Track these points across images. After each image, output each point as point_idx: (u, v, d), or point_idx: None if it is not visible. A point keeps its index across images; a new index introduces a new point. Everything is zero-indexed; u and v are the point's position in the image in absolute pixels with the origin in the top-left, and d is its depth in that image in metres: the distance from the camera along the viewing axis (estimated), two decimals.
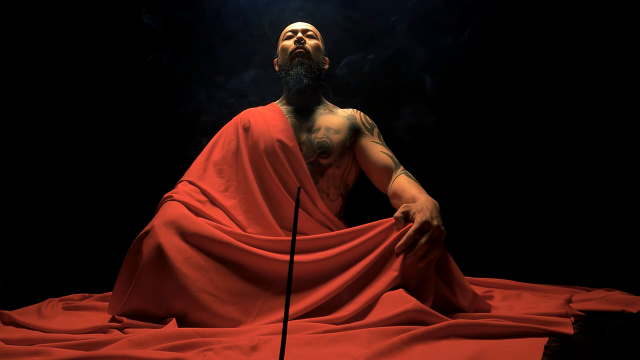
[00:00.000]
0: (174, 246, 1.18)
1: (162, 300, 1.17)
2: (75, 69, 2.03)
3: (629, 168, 1.81)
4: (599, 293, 1.41)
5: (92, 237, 2.00)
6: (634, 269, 1.68)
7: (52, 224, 2.00)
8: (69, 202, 2.02)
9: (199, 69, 2.00)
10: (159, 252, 1.17)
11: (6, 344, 0.94)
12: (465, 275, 1.24)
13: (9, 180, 1.97)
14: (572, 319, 1.07)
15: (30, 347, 0.91)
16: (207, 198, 1.46)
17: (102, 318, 1.24)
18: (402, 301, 1.06)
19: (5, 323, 1.19)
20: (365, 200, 1.73)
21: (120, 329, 1.10)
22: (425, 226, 1.16)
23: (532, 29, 1.92)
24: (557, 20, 1.90)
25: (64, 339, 1.00)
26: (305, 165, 1.51)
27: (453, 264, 1.22)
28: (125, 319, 1.13)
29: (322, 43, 1.71)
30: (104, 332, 1.09)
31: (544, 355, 0.86)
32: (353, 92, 1.93)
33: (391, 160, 1.53)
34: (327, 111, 1.66)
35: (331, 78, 1.89)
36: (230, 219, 1.43)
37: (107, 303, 1.32)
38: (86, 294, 1.61)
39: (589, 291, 1.46)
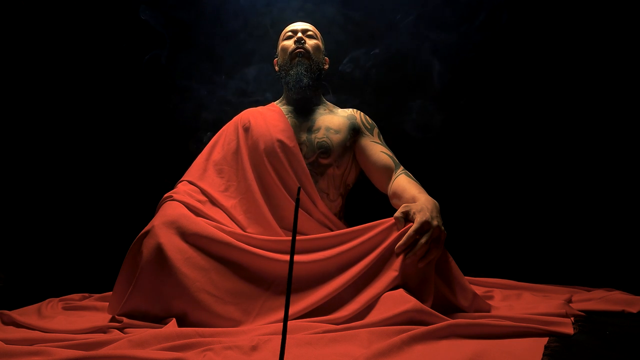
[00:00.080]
0: (174, 246, 1.18)
1: (162, 300, 1.17)
2: (74, 67, 2.03)
3: (629, 168, 1.81)
4: (599, 293, 1.41)
5: (92, 237, 2.00)
6: (634, 269, 1.68)
7: (52, 224, 2.00)
8: (69, 202, 2.02)
9: (199, 68, 2.01)
10: (159, 252, 1.17)
11: (6, 344, 0.94)
12: (465, 275, 1.24)
13: (9, 180, 1.97)
14: (572, 319, 1.07)
15: (30, 347, 0.91)
16: (207, 198, 1.46)
17: (102, 318, 1.24)
18: (402, 301, 1.06)
19: (5, 323, 1.19)
20: (365, 200, 1.73)
21: (120, 329, 1.10)
22: (425, 226, 1.16)
23: (537, 26, 1.92)
24: (561, 18, 1.90)
25: (64, 339, 1.00)
26: (305, 165, 1.51)
27: (453, 264, 1.22)
28: (125, 319, 1.13)
29: (322, 43, 1.71)
30: (104, 332, 1.09)
31: (544, 355, 0.86)
32: (354, 91, 1.93)
33: (391, 160, 1.53)
34: (327, 111, 1.66)
35: (332, 77, 1.89)
36: (230, 219, 1.43)
37: (107, 303, 1.32)
38: (86, 294, 1.61)
39: (589, 291, 1.46)
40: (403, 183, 1.43)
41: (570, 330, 0.99)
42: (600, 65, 1.85)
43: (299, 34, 1.63)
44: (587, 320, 1.09)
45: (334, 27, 1.98)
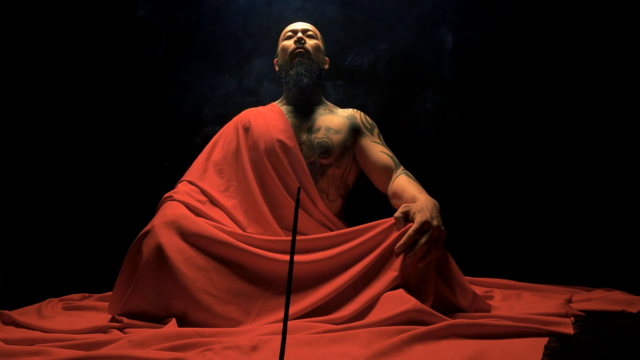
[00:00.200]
0: (174, 246, 1.18)
1: (162, 300, 1.17)
2: (73, 66, 2.03)
3: (629, 168, 1.81)
4: (599, 293, 1.41)
5: (92, 237, 2.00)
6: (634, 269, 1.68)
7: (52, 224, 2.00)
8: (68, 202, 2.02)
9: (199, 68, 2.00)
10: (159, 252, 1.17)
11: (6, 344, 0.94)
12: (465, 275, 1.24)
13: (9, 180, 1.97)
14: (572, 319, 1.07)
15: (30, 347, 0.91)
16: (207, 198, 1.46)
17: (102, 318, 1.24)
18: (402, 301, 1.06)
19: (5, 323, 1.19)
20: (365, 200, 1.73)
21: (120, 329, 1.10)
22: (425, 226, 1.16)
23: (537, 26, 1.92)
24: (566, 15, 1.89)
25: (64, 339, 1.00)
26: (305, 166, 1.51)
27: (453, 264, 1.22)
28: (125, 319, 1.13)
29: (322, 43, 1.71)
30: (104, 332, 1.09)
31: (544, 355, 0.86)
32: (352, 94, 1.93)
33: (391, 160, 1.53)
34: (327, 111, 1.66)
35: (338, 72, 1.89)
36: (230, 219, 1.43)
37: (107, 303, 1.32)
38: (86, 294, 1.61)
39: (589, 291, 1.46)
40: (403, 183, 1.43)
41: (570, 330, 0.99)
42: (600, 66, 1.85)
43: (299, 34, 1.64)
44: (587, 320, 1.09)
45: (334, 27, 1.98)
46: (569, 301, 1.29)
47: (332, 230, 1.45)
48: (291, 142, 1.52)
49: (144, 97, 2.06)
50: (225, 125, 1.67)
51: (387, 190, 1.50)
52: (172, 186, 1.51)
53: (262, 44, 1.99)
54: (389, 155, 1.55)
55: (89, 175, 2.04)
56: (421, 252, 1.14)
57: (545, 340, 0.93)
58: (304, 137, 1.57)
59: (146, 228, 1.25)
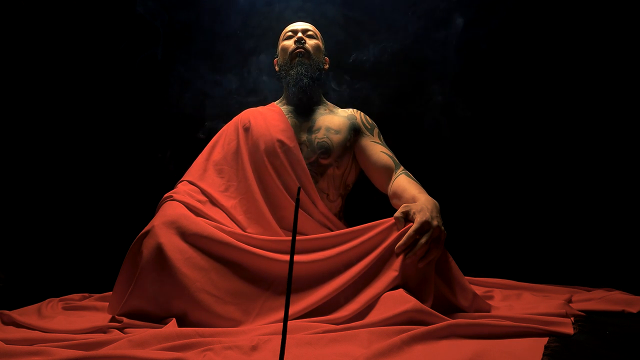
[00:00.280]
0: (174, 246, 1.18)
1: (162, 300, 1.17)
2: (71, 66, 2.03)
3: (629, 168, 1.81)
4: (599, 293, 1.41)
5: (92, 237, 2.00)
6: (634, 269, 1.68)
7: (52, 224, 2.00)
8: (68, 202, 2.02)
9: (199, 67, 2.01)
10: (159, 252, 1.17)
11: (6, 344, 0.94)
12: (465, 275, 1.24)
13: (9, 180, 1.97)
14: (572, 319, 1.07)
15: (30, 347, 0.91)
16: (207, 198, 1.46)
17: (102, 318, 1.24)
18: (402, 301, 1.06)
19: (5, 323, 1.19)
20: (365, 200, 1.73)
21: (120, 329, 1.10)
22: (425, 226, 1.16)
23: (537, 26, 1.92)
24: (568, 15, 1.90)
25: (64, 339, 1.00)
26: (305, 166, 1.51)
27: (453, 264, 1.22)
28: (125, 319, 1.13)
29: (323, 43, 1.71)
30: (104, 332, 1.09)
31: (544, 355, 0.86)
32: (350, 96, 1.93)
33: (391, 160, 1.53)
34: (327, 111, 1.66)
35: (333, 77, 1.89)
36: (230, 219, 1.43)
37: (107, 303, 1.32)
38: (86, 294, 1.61)
39: (589, 291, 1.46)
40: (403, 183, 1.43)
41: (570, 330, 0.99)
42: (601, 66, 1.85)
43: (299, 34, 1.64)
44: (587, 320, 1.09)
45: (334, 27, 1.98)
46: (569, 301, 1.29)
47: (332, 230, 1.45)
48: (291, 142, 1.52)
49: (144, 97, 2.06)
50: (225, 125, 1.67)
51: (387, 190, 1.50)
52: (172, 185, 1.51)
53: (262, 43, 1.99)
54: (389, 156, 1.55)
55: (89, 175, 2.04)
56: (421, 252, 1.14)
57: (545, 340, 0.93)
58: (304, 137, 1.57)
59: (146, 228, 1.25)
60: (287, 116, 1.61)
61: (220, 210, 1.44)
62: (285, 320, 0.60)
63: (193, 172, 1.54)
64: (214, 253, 1.20)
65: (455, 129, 1.97)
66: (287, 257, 1.19)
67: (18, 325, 1.16)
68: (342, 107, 1.71)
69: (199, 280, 1.15)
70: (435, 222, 1.17)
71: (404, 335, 0.90)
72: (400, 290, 1.11)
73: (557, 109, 1.91)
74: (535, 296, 1.39)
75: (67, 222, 2.01)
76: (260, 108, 1.68)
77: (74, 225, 2.01)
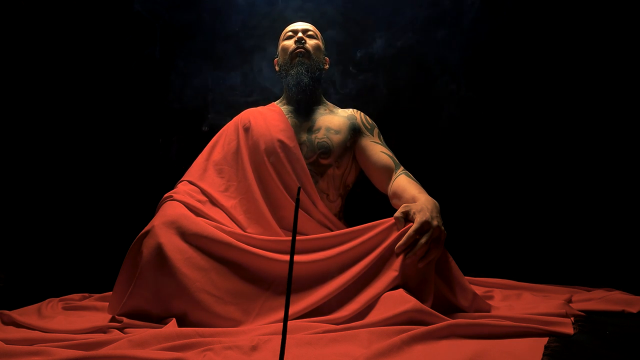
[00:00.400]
0: (174, 246, 1.18)
1: (162, 300, 1.17)
2: (71, 65, 2.03)
3: (629, 168, 1.81)
4: (599, 293, 1.41)
5: (92, 237, 2.00)
6: (634, 269, 1.68)
7: (52, 224, 2.00)
8: (68, 202, 2.02)
9: (199, 67, 2.01)
10: (159, 252, 1.17)
11: (6, 344, 0.94)
12: (465, 275, 1.24)
13: (9, 180, 1.97)
14: (572, 319, 1.07)
15: (30, 347, 0.91)
16: (207, 198, 1.46)
17: (102, 318, 1.24)
18: (402, 301, 1.06)
19: (5, 323, 1.19)
20: (365, 200, 1.73)
21: (120, 329, 1.10)
22: (425, 226, 1.16)
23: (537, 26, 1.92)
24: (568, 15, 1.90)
25: (64, 339, 1.00)
26: (305, 166, 1.51)
27: (453, 264, 1.22)
28: (125, 319, 1.13)
29: (323, 43, 1.71)
30: (104, 332, 1.09)
31: (544, 355, 0.86)
32: (348, 97, 1.93)
33: (391, 161, 1.53)
34: (327, 111, 1.66)
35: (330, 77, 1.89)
36: (230, 219, 1.43)
37: (107, 303, 1.32)
38: (86, 294, 1.61)
39: (589, 291, 1.46)
40: (403, 183, 1.43)
41: (570, 330, 0.99)
42: (601, 66, 1.85)
43: (300, 34, 1.64)
44: (587, 320, 1.09)
45: (334, 27, 1.98)
46: (569, 301, 1.29)
47: (332, 231, 1.45)
48: (291, 142, 1.52)
49: (144, 97, 2.06)
50: (226, 125, 1.67)
51: (387, 190, 1.50)
52: (172, 185, 1.51)
53: (262, 43, 1.99)
54: (389, 156, 1.55)
55: (89, 175, 2.05)
56: (421, 252, 1.14)
57: (545, 340, 0.93)
58: (304, 137, 1.57)
59: (146, 228, 1.25)
60: (287, 116, 1.61)
61: (220, 210, 1.44)
62: (285, 320, 0.60)
63: (193, 172, 1.54)
64: (214, 253, 1.20)
65: (455, 129, 1.97)
66: (287, 257, 1.19)
67: (18, 325, 1.16)
68: (341, 107, 1.71)
69: (199, 280, 1.15)
70: (435, 222, 1.17)
71: (404, 335, 0.90)
72: (400, 290, 1.11)
73: (557, 109, 1.91)
74: (535, 296, 1.39)
75: (67, 222, 2.01)
76: (260, 108, 1.68)
77: (74, 225, 2.01)
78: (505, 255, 1.85)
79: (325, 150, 1.55)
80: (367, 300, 1.11)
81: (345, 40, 1.99)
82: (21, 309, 1.35)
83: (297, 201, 0.63)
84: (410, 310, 1.02)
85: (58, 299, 1.50)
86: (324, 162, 1.55)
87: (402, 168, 1.51)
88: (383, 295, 1.11)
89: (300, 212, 1.46)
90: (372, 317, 1.06)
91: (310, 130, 1.59)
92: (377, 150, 1.56)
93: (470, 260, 1.56)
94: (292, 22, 1.72)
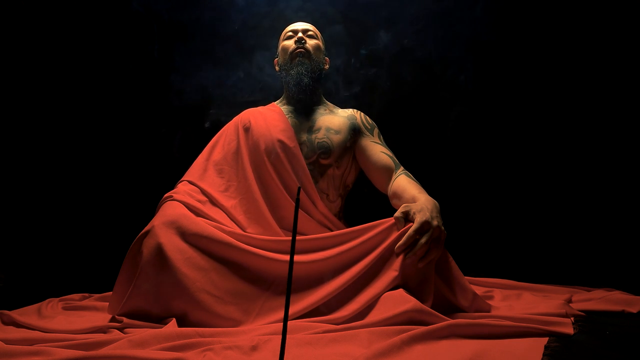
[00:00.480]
0: (174, 246, 1.18)
1: (162, 300, 1.17)
2: (70, 64, 2.03)
3: (629, 168, 1.81)
4: (599, 293, 1.41)
5: (92, 237, 2.00)
6: (634, 269, 1.68)
7: (52, 223, 2.00)
8: (68, 202, 2.02)
9: (199, 67, 2.01)
10: (159, 252, 1.17)
11: (6, 344, 0.94)
12: (465, 275, 1.24)
13: (9, 180, 1.97)
14: (572, 319, 1.07)
15: (30, 347, 0.91)
16: (207, 198, 1.46)
17: (102, 318, 1.24)
18: (402, 301, 1.06)
19: (5, 323, 1.19)
20: (365, 200, 1.73)
21: (120, 329, 1.10)
22: (425, 226, 1.16)
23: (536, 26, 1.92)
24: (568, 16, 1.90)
25: (64, 339, 1.00)
26: (305, 166, 1.51)
27: (453, 264, 1.23)
28: (125, 319, 1.13)
29: (323, 43, 1.71)
30: (104, 332, 1.09)
31: (544, 355, 0.86)
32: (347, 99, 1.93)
33: (391, 161, 1.53)
34: (327, 111, 1.66)
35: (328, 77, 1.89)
36: (230, 219, 1.43)
37: (107, 303, 1.32)
38: (86, 294, 1.61)
39: (589, 291, 1.46)
40: (403, 183, 1.43)
41: (570, 330, 0.99)
42: (601, 66, 1.85)
43: (300, 34, 1.64)
44: (587, 320, 1.09)
45: (334, 26, 1.98)
46: (569, 301, 1.29)
47: (332, 231, 1.45)
48: (291, 142, 1.52)
49: (143, 97, 2.06)
50: (226, 125, 1.67)
51: (387, 190, 1.50)
52: (172, 186, 1.51)
53: (262, 43, 1.99)
54: (389, 156, 1.55)
55: (89, 175, 2.04)
56: (421, 252, 1.14)
57: (545, 340, 0.93)
58: (304, 137, 1.57)
59: (146, 228, 1.25)
60: (287, 116, 1.61)
61: (220, 210, 1.44)
62: (285, 320, 0.60)
63: (193, 172, 1.54)
64: (214, 253, 1.20)
65: (455, 128, 1.97)
66: (287, 257, 1.19)
67: (18, 325, 1.16)
68: (343, 107, 1.71)
69: (199, 280, 1.15)
70: (435, 222, 1.17)
71: (404, 335, 0.90)
72: (400, 290, 1.11)
73: (556, 110, 1.91)
74: (535, 296, 1.39)
75: (67, 222, 2.01)
76: (260, 108, 1.68)
77: (74, 225, 2.01)
78: (505, 255, 1.85)
79: (325, 150, 1.55)
80: (367, 300, 1.11)
81: (346, 40, 1.98)
82: (21, 309, 1.35)
83: (297, 201, 0.63)
84: (410, 310, 1.02)
85: (58, 299, 1.50)
86: (324, 162, 1.55)
87: (402, 168, 1.51)
88: (383, 295, 1.11)
89: (300, 212, 1.46)
90: (372, 317, 1.06)
91: (311, 130, 1.59)
92: (377, 151, 1.56)
93: (470, 260, 1.56)
94: (292, 22, 1.72)
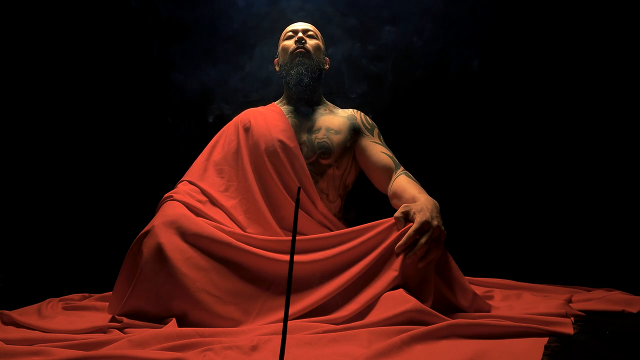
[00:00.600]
0: (174, 246, 1.18)
1: (162, 300, 1.17)
2: (69, 63, 2.03)
3: (629, 168, 1.81)
4: (599, 293, 1.41)
5: (92, 237, 2.00)
6: (634, 269, 1.68)
7: (52, 223, 2.00)
8: (68, 202, 2.02)
9: (198, 67, 2.01)
10: (159, 252, 1.17)
11: (6, 344, 0.94)
12: (465, 275, 1.24)
13: (9, 180, 1.97)
14: (572, 319, 1.06)
15: (30, 347, 0.91)
16: (207, 198, 1.46)
17: (102, 318, 1.24)
18: (402, 301, 1.06)
19: (5, 323, 1.19)
20: (365, 200, 1.73)
21: (120, 329, 1.10)
22: (425, 226, 1.16)
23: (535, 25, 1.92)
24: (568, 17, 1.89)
25: (64, 339, 1.00)
26: (305, 166, 1.51)
27: (453, 264, 1.23)
28: (125, 319, 1.13)
29: (323, 43, 1.71)
30: (104, 332, 1.09)
31: (544, 355, 0.86)
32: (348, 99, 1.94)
33: (391, 161, 1.53)
34: (327, 111, 1.66)
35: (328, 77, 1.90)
36: (230, 219, 1.43)
37: (107, 303, 1.32)
38: (86, 294, 1.61)
39: (589, 291, 1.46)
40: (403, 183, 1.43)
41: (570, 330, 0.99)
42: (600, 66, 1.85)
43: (300, 34, 1.64)
44: (587, 320, 1.09)
45: (334, 26, 1.98)
46: (569, 301, 1.29)
47: (331, 231, 1.45)
48: (292, 143, 1.52)
49: (143, 97, 2.06)
50: (226, 126, 1.67)
51: (387, 190, 1.50)
52: (172, 186, 1.51)
53: (262, 43, 1.99)
54: (389, 156, 1.55)
55: (89, 175, 2.05)
56: (421, 252, 1.14)
57: (545, 340, 0.93)
58: (304, 137, 1.57)
59: (146, 228, 1.25)
60: (287, 116, 1.61)
61: (220, 210, 1.44)
62: (285, 320, 0.60)
63: (193, 172, 1.54)
64: (214, 253, 1.20)
65: (455, 128, 1.97)
66: (287, 257, 1.19)
67: (18, 325, 1.16)
68: (344, 107, 1.71)
69: (199, 280, 1.15)
70: (435, 222, 1.17)
71: (404, 335, 0.90)
72: (400, 290, 1.11)
73: (556, 110, 1.91)
74: (535, 296, 1.39)
75: (67, 222, 2.01)
76: (260, 108, 1.68)
77: (74, 225, 2.01)
78: (505, 255, 1.85)
79: (325, 150, 1.55)
80: (367, 300, 1.11)
81: (347, 39, 1.98)
82: (21, 309, 1.35)
83: (297, 201, 0.63)
84: (410, 310, 1.02)
85: (58, 299, 1.50)
86: (324, 162, 1.55)
87: (402, 168, 1.51)
88: (383, 295, 1.11)
89: (300, 212, 1.46)
90: (372, 317, 1.06)
91: (311, 130, 1.59)
92: (377, 151, 1.56)
93: (470, 260, 1.56)
94: (292, 22, 1.72)
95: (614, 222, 1.80)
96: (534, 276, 1.60)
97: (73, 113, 2.04)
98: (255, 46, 1.97)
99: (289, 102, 1.67)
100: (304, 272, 1.17)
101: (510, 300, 1.38)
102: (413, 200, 1.31)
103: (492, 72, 1.95)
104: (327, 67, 1.72)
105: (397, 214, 1.21)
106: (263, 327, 1.07)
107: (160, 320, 1.16)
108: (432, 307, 1.08)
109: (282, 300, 1.14)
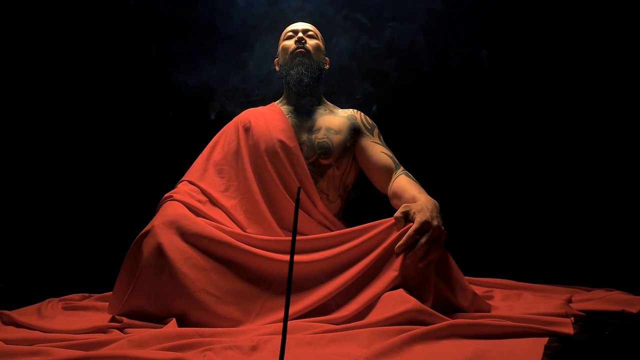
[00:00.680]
0: (174, 246, 1.18)
1: (162, 300, 1.17)
2: (70, 63, 2.03)
3: (629, 168, 1.81)
4: (599, 293, 1.41)
5: (92, 237, 2.00)
6: (634, 269, 1.68)
7: (52, 223, 2.00)
8: (68, 202, 2.02)
9: (198, 67, 2.00)
10: (159, 252, 1.17)
11: (6, 344, 0.94)
12: (465, 275, 1.24)
13: (9, 180, 1.97)
14: (572, 319, 1.06)
15: (30, 347, 0.91)
16: (207, 198, 1.46)
17: (102, 318, 1.24)
18: (402, 301, 1.06)
19: (5, 323, 1.19)
20: (365, 200, 1.73)
21: (120, 329, 1.10)
22: (425, 226, 1.16)
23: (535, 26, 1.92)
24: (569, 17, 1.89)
25: (64, 339, 1.00)
26: (305, 166, 1.51)
27: (453, 264, 1.23)
28: (125, 319, 1.13)
29: (323, 43, 1.71)
30: (104, 332, 1.09)
31: (544, 355, 0.86)
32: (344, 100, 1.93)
33: (391, 161, 1.53)
34: (327, 111, 1.66)
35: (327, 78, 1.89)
36: (230, 219, 1.43)
37: (107, 303, 1.33)
38: (86, 294, 1.61)
39: (589, 291, 1.46)
40: (403, 183, 1.43)
41: (570, 330, 0.99)
42: (600, 66, 1.85)
43: (300, 34, 1.64)
44: (587, 320, 1.09)
45: (334, 26, 1.98)
46: (569, 301, 1.29)
47: (331, 231, 1.45)
48: (292, 143, 1.52)
49: (142, 97, 2.06)
50: (226, 126, 1.67)
51: (387, 190, 1.50)
52: (171, 186, 1.51)
53: (262, 43, 1.99)
54: (389, 156, 1.55)
55: (89, 175, 2.05)
56: (421, 252, 1.14)
57: (545, 340, 0.93)
58: (304, 137, 1.57)
59: (146, 228, 1.25)
60: (287, 116, 1.61)
61: (220, 210, 1.44)
62: (285, 320, 0.60)
63: (193, 172, 1.54)
64: (214, 253, 1.20)
65: (455, 128, 1.96)
66: (287, 257, 1.19)
67: (18, 325, 1.16)
68: (345, 108, 1.71)
69: (199, 280, 1.15)
70: (435, 222, 1.17)
71: (404, 335, 0.90)
72: (400, 290, 1.11)
73: (556, 111, 1.91)
74: (535, 296, 1.39)
75: (67, 222, 2.01)
76: (260, 108, 1.68)
77: (74, 225, 2.01)
78: (505, 255, 1.85)
79: (325, 150, 1.55)
80: (367, 300, 1.11)
81: (347, 39, 1.98)
82: (21, 309, 1.35)
83: (297, 201, 0.63)
84: (410, 310, 1.02)
85: (58, 299, 1.50)
86: (324, 162, 1.55)
87: (402, 168, 1.51)
88: (383, 295, 1.11)
89: (300, 212, 1.46)
90: (372, 317, 1.06)
91: (311, 130, 1.59)
92: (377, 151, 1.56)
93: (470, 260, 1.56)
94: (292, 22, 1.72)
95: (614, 222, 1.80)
96: (534, 276, 1.60)
97: (72, 112, 2.04)
98: (255, 46, 1.97)
99: (289, 102, 1.67)
100: (304, 272, 1.17)
101: (510, 300, 1.38)
102: (413, 200, 1.31)
103: (495, 70, 1.95)
104: (327, 67, 1.72)
105: (397, 214, 1.21)
106: (263, 327, 1.07)
107: (160, 320, 1.16)
108: (432, 307, 1.08)
109: (282, 300, 1.14)
